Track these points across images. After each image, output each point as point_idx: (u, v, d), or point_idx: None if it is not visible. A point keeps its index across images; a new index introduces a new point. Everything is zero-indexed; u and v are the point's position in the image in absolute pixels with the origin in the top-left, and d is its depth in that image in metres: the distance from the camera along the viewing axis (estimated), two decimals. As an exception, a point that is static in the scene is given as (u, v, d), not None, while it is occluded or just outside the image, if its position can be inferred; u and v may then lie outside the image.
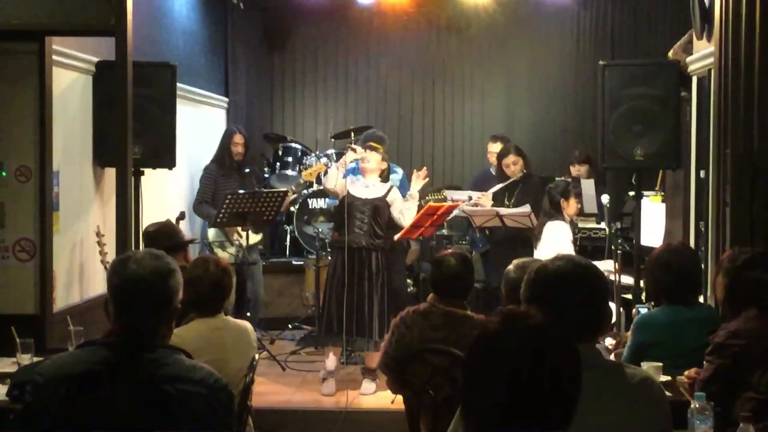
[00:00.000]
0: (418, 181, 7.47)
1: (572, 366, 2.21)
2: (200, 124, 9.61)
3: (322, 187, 9.06)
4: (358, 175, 7.60)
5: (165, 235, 6.21)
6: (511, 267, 4.55)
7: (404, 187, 8.97)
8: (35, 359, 4.71)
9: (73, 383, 2.88)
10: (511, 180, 8.22)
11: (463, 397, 2.26)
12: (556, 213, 7.45)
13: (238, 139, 8.81)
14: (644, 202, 7.55)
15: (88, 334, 4.88)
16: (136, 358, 2.92)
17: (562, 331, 2.23)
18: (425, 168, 7.65)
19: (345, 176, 7.47)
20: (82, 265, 6.79)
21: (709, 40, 6.27)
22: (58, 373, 2.92)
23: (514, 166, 8.24)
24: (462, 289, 5.07)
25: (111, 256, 6.17)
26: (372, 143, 7.60)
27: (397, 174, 9.09)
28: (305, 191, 9.73)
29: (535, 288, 2.89)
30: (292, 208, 9.68)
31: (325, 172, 7.81)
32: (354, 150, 7.46)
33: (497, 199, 8.20)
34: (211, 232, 8.52)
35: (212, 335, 4.61)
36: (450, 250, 5.48)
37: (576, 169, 9.00)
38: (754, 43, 5.29)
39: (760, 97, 5.30)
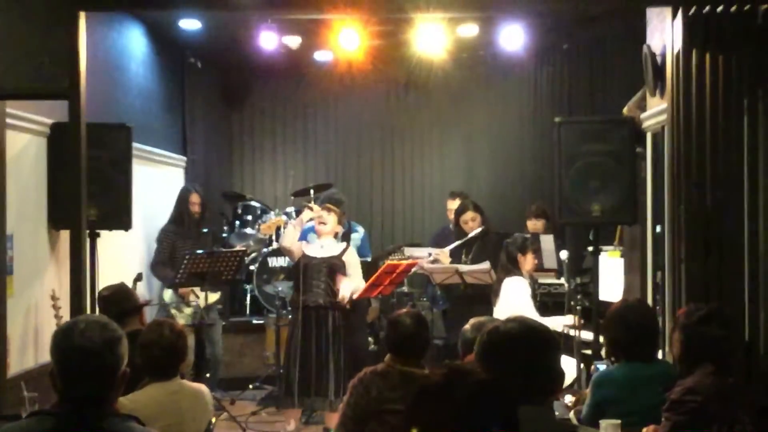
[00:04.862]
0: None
1: (514, 422, 2.22)
2: (158, 184, 9.57)
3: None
4: (314, 235, 7.61)
5: (119, 299, 6.13)
6: (467, 327, 4.54)
7: (365, 246, 8.97)
8: (-13, 427, 4.62)
9: (19, 455, 2.82)
10: (469, 236, 8.21)
11: None
12: (514, 268, 7.42)
13: (195, 198, 8.75)
14: (603, 257, 7.57)
15: (43, 399, 4.80)
16: (85, 428, 2.86)
17: (504, 389, 2.26)
18: None
19: (301, 238, 7.47)
20: (37, 329, 6.68)
21: (662, 97, 6.34)
22: (4, 445, 2.86)
23: (472, 222, 8.24)
24: (418, 348, 5.06)
25: (66, 319, 6.08)
26: (328, 204, 7.63)
27: (358, 233, 9.09)
28: (265, 250, 9.69)
29: (486, 350, 2.92)
30: (251, 267, 9.62)
31: (285, 225, 7.78)
32: (311, 208, 7.47)
33: (455, 256, 8.18)
34: (167, 294, 8.44)
35: (167, 400, 4.55)
36: (405, 310, 5.47)
37: (533, 224, 9.02)
38: (705, 101, 5.38)
39: (711, 153, 5.37)
